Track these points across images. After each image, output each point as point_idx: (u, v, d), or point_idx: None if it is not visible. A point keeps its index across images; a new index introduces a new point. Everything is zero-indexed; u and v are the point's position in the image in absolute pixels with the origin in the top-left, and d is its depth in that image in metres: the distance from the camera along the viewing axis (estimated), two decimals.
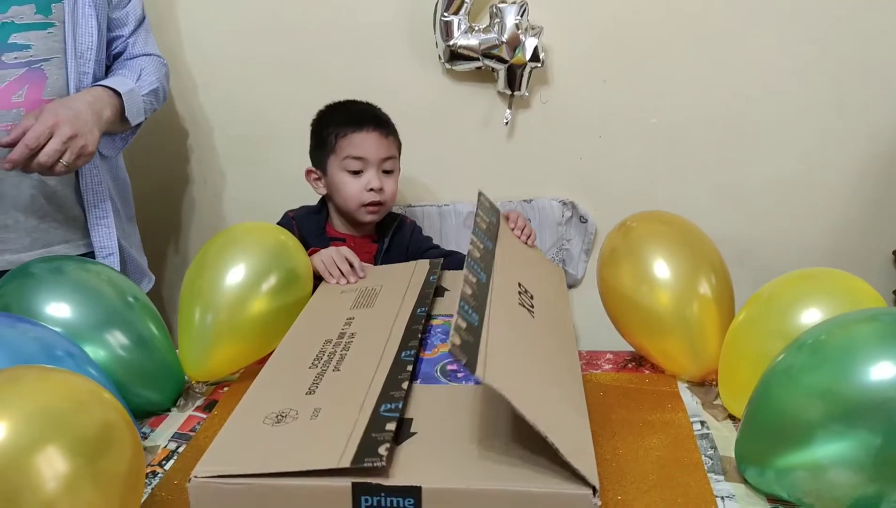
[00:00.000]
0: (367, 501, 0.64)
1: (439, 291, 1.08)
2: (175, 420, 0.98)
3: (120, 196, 1.38)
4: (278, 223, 1.38)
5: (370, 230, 1.42)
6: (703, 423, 0.96)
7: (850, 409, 0.72)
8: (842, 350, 0.75)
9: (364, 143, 1.34)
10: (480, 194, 1.14)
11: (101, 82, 1.22)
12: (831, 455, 0.73)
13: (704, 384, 1.04)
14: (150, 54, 1.36)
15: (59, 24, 1.19)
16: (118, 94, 1.21)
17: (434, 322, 0.98)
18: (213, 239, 1.12)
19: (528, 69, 1.53)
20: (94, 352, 0.91)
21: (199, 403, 1.02)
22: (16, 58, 1.15)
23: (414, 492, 0.63)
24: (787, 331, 0.88)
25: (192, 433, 0.95)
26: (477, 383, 0.82)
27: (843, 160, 1.68)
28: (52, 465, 0.61)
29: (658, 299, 1.03)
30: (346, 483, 0.64)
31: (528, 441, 0.68)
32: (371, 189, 1.33)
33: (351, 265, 1.18)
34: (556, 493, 0.64)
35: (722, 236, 1.16)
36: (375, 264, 1.36)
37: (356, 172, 1.34)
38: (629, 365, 1.11)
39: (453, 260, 1.27)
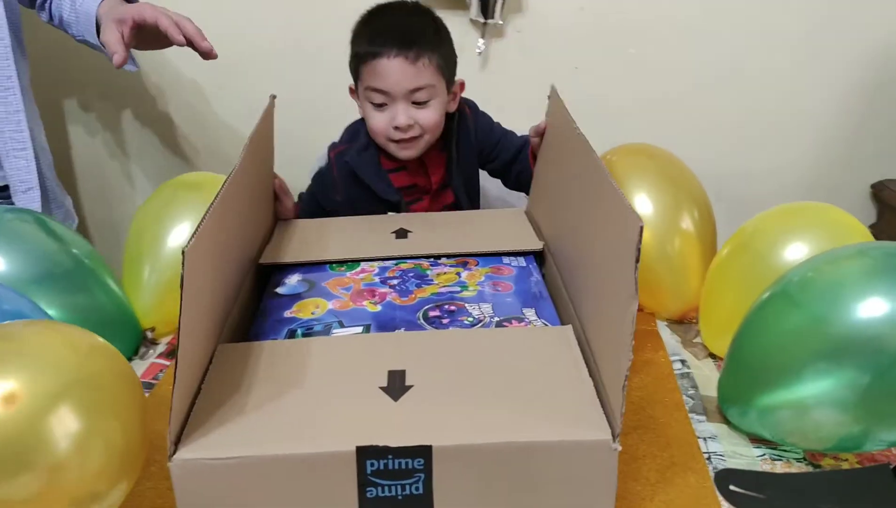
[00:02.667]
0: (373, 465, 0.58)
1: (402, 233, 1.01)
2: (137, 369, 0.94)
3: (35, 124, 1.28)
4: (321, 170, 1.24)
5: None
6: (683, 362, 0.94)
7: (838, 347, 0.70)
8: (830, 287, 0.73)
9: (385, 73, 1.10)
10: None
11: None
12: (817, 393, 0.71)
13: (684, 322, 1.02)
14: None
15: None
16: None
17: (403, 267, 0.92)
18: (160, 189, 1.08)
19: None
20: (45, 306, 0.85)
21: (160, 350, 0.98)
22: None
23: (423, 452, 0.58)
24: (772, 267, 0.86)
25: (155, 381, 0.91)
26: (462, 327, 0.78)
27: (822, 93, 1.65)
28: (66, 421, 0.58)
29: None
30: (349, 447, 0.57)
31: (525, 388, 0.65)
32: (397, 127, 1.13)
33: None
34: (573, 441, 0.59)
35: (700, 170, 1.12)
36: (449, 176, 1.21)
37: (380, 105, 1.13)
38: None
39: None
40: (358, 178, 1.19)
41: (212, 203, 0.65)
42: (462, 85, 1.20)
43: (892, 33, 1.59)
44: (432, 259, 0.93)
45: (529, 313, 0.80)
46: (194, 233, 0.59)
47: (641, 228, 0.57)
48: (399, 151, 1.16)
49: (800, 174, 1.71)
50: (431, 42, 1.12)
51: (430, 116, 1.14)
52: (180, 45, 1.00)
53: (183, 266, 0.55)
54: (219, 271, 0.73)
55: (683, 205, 1.02)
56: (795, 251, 0.86)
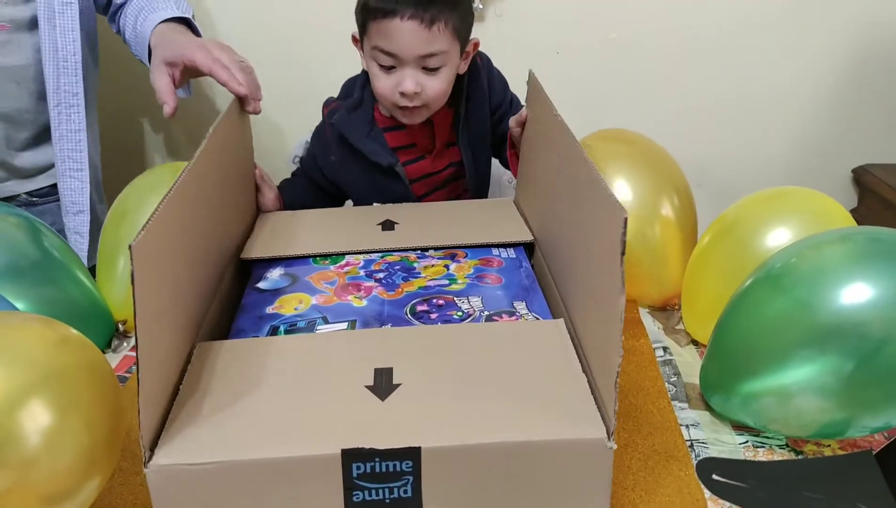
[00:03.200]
0: (359, 468, 0.55)
1: (388, 225, 0.98)
2: (110, 362, 0.91)
3: (93, 143, 1.25)
4: (317, 128, 1.18)
5: None
6: (665, 349, 0.93)
7: (822, 333, 0.69)
8: (813, 273, 0.72)
9: (396, 34, 1.00)
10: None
11: (159, 19, 1.07)
12: (800, 380, 0.70)
13: (666, 309, 1.01)
14: None
15: None
16: (183, 21, 1.09)
17: (390, 259, 0.89)
18: (139, 178, 1.05)
19: None
20: (12, 298, 0.82)
21: (133, 343, 0.95)
22: None
23: (412, 454, 0.55)
24: (754, 254, 0.85)
25: (128, 375, 0.89)
26: (451, 322, 0.75)
27: (803, 77, 1.65)
28: (37, 415, 0.56)
29: None
30: (334, 449, 0.55)
31: (517, 385, 0.62)
32: (403, 93, 1.05)
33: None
34: (567, 440, 0.57)
35: (681, 155, 1.11)
36: (454, 134, 1.14)
37: (388, 68, 1.05)
38: None
39: None
40: (348, 142, 1.13)
41: (164, 197, 0.62)
42: (476, 45, 1.11)
43: (873, 18, 1.59)
44: (419, 251, 0.91)
45: (520, 307, 0.78)
46: (144, 227, 0.56)
47: (626, 219, 0.55)
48: (403, 118, 1.10)
49: (781, 159, 1.71)
50: (450, 3, 1.02)
51: (439, 85, 1.05)
52: (238, 95, 0.96)
53: (132, 262, 0.52)
54: (187, 267, 0.70)
55: (663, 191, 1.00)
56: (778, 237, 0.85)
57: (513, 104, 1.18)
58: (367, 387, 0.61)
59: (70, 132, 1.15)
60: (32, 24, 1.10)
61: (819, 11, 1.57)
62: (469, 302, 0.79)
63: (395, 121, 1.13)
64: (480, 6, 1.49)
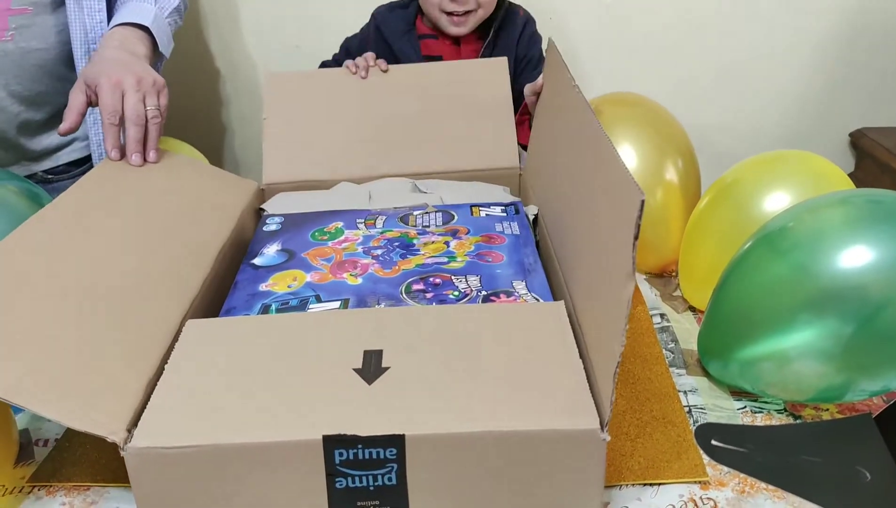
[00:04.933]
0: (341, 455, 0.54)
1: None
2: None
3: None
4: (357, 33, 1.25)
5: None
6: (662, 316, 0.92)
7: (821, 296, 0.68)
8: (811, 236, 0.71)
9: None
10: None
11: (118, 20, 1.03)
12: (799, 344, 0.69)
13: (663, 276, 1.01)
14: None
15: None
16: (143, 28, 1.04)
17: (389, 235, 0.87)
18: None
19: None
20: None
21: None
22: None
23: (396, 441, 0.54)
24: (752, 218, 0.84)
25: None
26: (446, 302, 0.73)
27: (799, 41, 1.63)
28: None
29: None
30: (316, 435, 0.54)
31: (510, 371, 0.60)
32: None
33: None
34: (557, 430, 0.55)
35: (680, 122, 1.10)
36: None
37: None
38: None
39: None
40: (383, 36, 1.18)
41: None
42: None
43: None
44: (420, 228, 0.89)
45: (519, 287, 0.76)
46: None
47: (643, 202, 0.52)
48: (450, 26, 1.15)
49: (778, 124, 1.70)
50: None
51: None
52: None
53: None
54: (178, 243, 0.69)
55: (668, 155, 0.99)
56: (775, 201, 0.84)
57: (538, 67, 1.20)
58: (355, 370, 0.60)
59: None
60: (54, 4, 1.07)
61: None
62: (467, 281, 0.76)
63: (433, 31, 1.19)
64: None
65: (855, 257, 0.67)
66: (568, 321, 0.66)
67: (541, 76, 1.00)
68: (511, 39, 1.18)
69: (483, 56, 1.18)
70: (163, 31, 1.07)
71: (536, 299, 0.73)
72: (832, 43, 1.64)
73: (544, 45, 0.97)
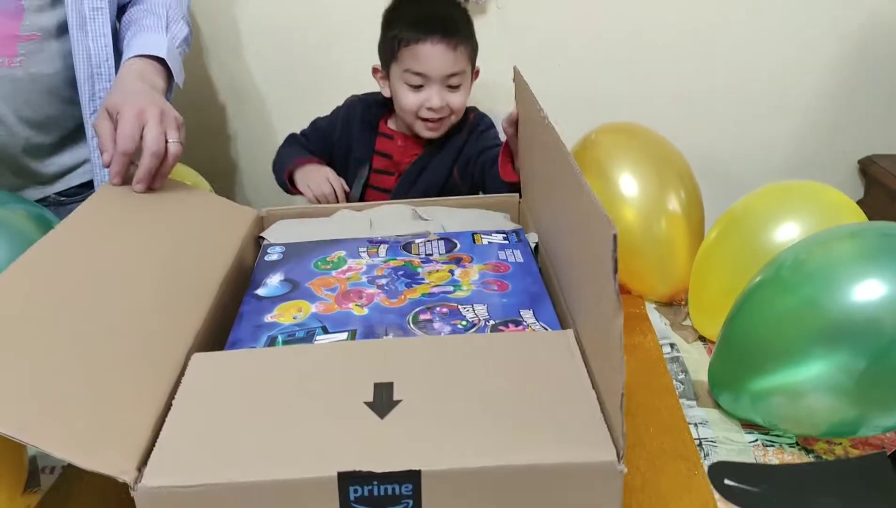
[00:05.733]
0: (356, 492, 0.52)
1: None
2: None
3: None
4: (335, 110, 1.36)
5: None
6: (672, 345, 0.92)
7: (833, 330, 0.68)
8: (823, 269, 0.71)
9: (427, 57, 1.20)
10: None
11: (134, 51, 1.05)
12: (811, 378, 0.69)
13: (673, 304, 1.00)
14: None
15: None
16: (158, 59, 1.05)
17: (393, 264, 0.86)
18: None
19: None
20: None
21: None
22: None
23: (412, 477, 0.52)
24: (762, 249, 0.84)
25: None
26: (455, 331, 0.72)
27: (809, 68, 1.64)
28: None
29: (626, 216, 0.98)
30: (331, 472, 0.52)
31: (523, 403, 0.59)
32: (430, 108, 1.22)
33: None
34: (575, 463, 0.53)
35: (686, 147, 1.10)
36: (416, 163, 1.31)
37: (417, 87, 1.22)
38: None
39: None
40: (354, 124, 1.30)
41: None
42: (477, 72, 1.30)
43: (878, 9, 1.57)
44: (423, 256, 0.88)
45: (527, 316, 0.74)
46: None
47: (615, 236, 0.52)
48: (425, 131, 1.26)
49: (787, 150, 1.70)
50: (466, 32, 1.24)
51: (460, 100, 1.25)
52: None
53: None
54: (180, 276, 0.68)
55: (669, 185, 0.99)
56: (786, 232, 0.84)
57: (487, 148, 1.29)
58: (367, 403, 0.59)
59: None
60: (59, 30, 1.08)
61: (823, 4, 1.55)
62: (474, 310, 0.76)
63: (390, 130, 1.33)
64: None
65: (866, 290, 0.67)
66: (578, 350, 0.65)
67: (514, 106, 1.01)
68: (457, 142, 1.30)
69: (422, 157, 1.31)
70: (175, 61, 1.09)
71: (545, 328, 0.73)
72: (840, 69, 1.64)
73: (525, 70, 0.98)
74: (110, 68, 1.11)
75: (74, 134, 1.16)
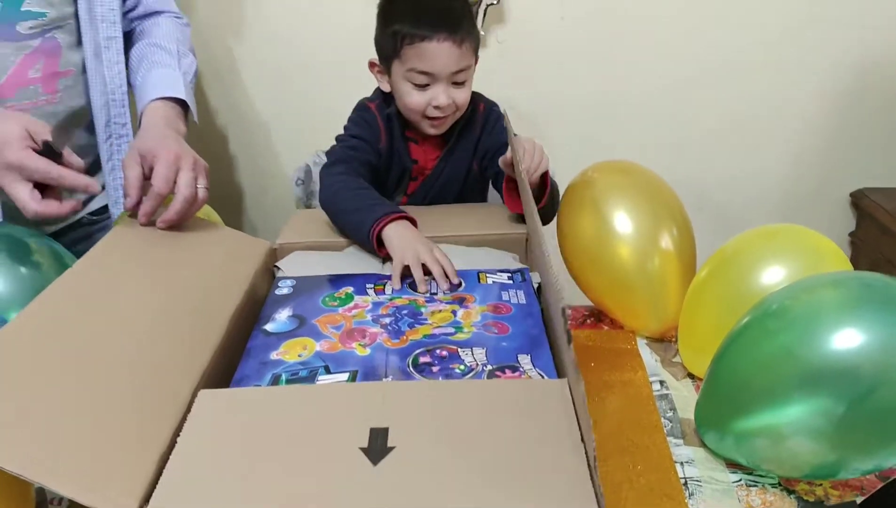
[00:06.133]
0: None
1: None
2: None
3: None
4: (361, 119, 1.22)
5: None
6: (661, 383, 0.94)
7: (814, 376, 0.70)
8: (806, 316, 0.73)
9: (434, 56, 1.12)
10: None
11: (155, 93, 1.08)
12: (792, 422, 0.71)
13: (664, 341, 1.03)
14: (170, 12, 1.21)
15: None
16: (177, 99, 1.09)
17: (398, 302, 0.89)
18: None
19: (483, 7, 1.46)
20: None
21: None
22: (31, 27, 1.02)
23: None
24: (750, 290, 0.86)
25: None
26: (452, 376, 0.74)
27: (800, 101, 1.67)
28: None
29: (620, 253, 1.00)
30: None
31: (513, 455, 0.61)
32: (437, 106, 1.16)
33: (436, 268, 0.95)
34: None
35: (681, 180, 1.13)
36: (438, 165, 1.26)
37: (422, 86, 1.15)
38: (588, 321, 1.09)
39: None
40: (393, 133, 1.23)
41: None
42: (476, 60, 1.22)
43: (870, 42, 1.61)
44: (428, 295, 0.91)
45: (525, 361, 0.77)
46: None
47: (564, 310, 0.56)
48: (429, 128, 1.20)
49: (780, 183, 1.73)
50: (469, 24, 1.16)
51: (465, 94, 1.18)
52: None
53: None
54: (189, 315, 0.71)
55: (663, 223, 1.02)
56: (773, 275, 0.86)
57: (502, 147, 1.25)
58: (362, 449, 0.61)
59: (121, 161, 1.16)
60: (83, 64, 1.12)
61: (816, 38, 1.58)
62: (473, 354, 0.78)
63: (415, 135, 1.25)
64: (483, 33, 1.50)
65: (847, 338, 0.69)
66: (570, 401, 0.67)
67: (509, 149, 1.04)
68: (472, 137, 1.26)
69: (444, 157, 1.26)
70: (191, 98, 1.12)
71: (541, 375, 0.75)
72: (833, 104, 1.67)
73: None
74: (124, 95, 1.15)
75: (93, 164, 1.19)
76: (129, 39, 1.20)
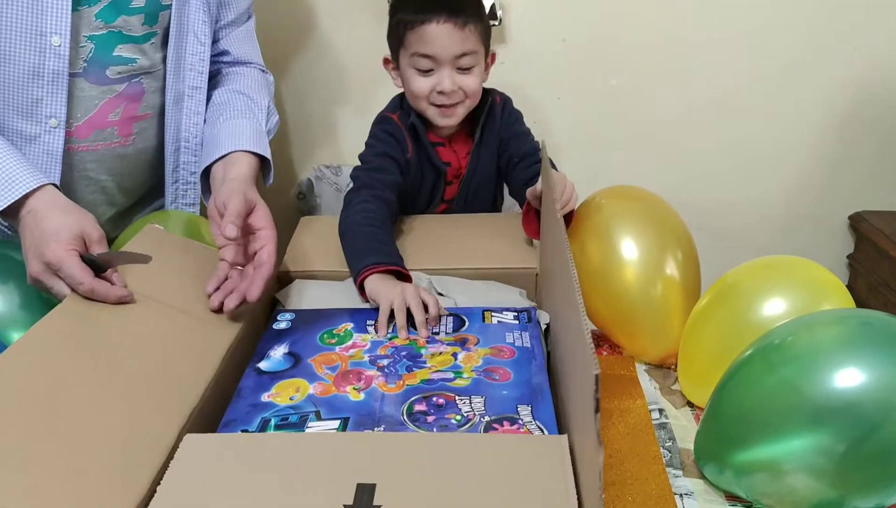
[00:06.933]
0: None
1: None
2: None
3: None
4: (385, 134, 1.19)
5: (463, 124, 1.23)
6: (661, 411, 0.94)
7: (815, 412, 0.70)
8: (807, 352, 0.74)
9: (434, 38, 1.12)
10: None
11: (242, 145, 1.05)
12: (793, 458, 0.71)
13: (663, 368, 1.02)
14: (257, 64, 1.21)
15: (161, 31, 1.05)
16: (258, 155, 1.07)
17: (397, 342, 0.86)
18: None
19: None
20: None
21: None
22: (119, 72, 1.03)
23: None
24: (750, 322, 0.86)
25: None
26: (448, 427, 0.71)
27: (800, 124, 1.68)
28: None
29: (625, 278, 1.00)
30: None
31: None
32: (441, 91, 1.14)
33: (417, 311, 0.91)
34: None
35: (681, 201, 1.13)
36: (471, 162, 1.24)
37: (426, 71, 1.14)
38: None
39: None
40: (419, 141, 1.20)
41: None
42: (493, 57, 1.23)
43: (869, 67, 1.62)
44: (430, 335, 0.89)
45: (524, 413, 0.74)
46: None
47: (597, 377, 0.52)
48: (438, 118, 1.18)
49: (779, 206, 1.73)
50: (476, 10, 1.16)
51: (474, 82, 1.16)
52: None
53: None
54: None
55: (668, 249, 1.02)
56: (773, 307, 0.86)
57: (522, 136, 1.25)
58: (346, 507, 0.58)
59: (185, 206, 1.17)
60: (162, 108, 1.11)
61: (816, 63, 1.60)
62: (471, 403, 0.75)
63: (438, 139, 1.23)
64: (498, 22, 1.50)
65: (848, 376, 0.70)
66: (570, 460, 0.63)
67: (539, 182, 1.03)
68: (495, 130, 1.24)
69: (473, 153, 1.23)
70: (269, 154, 1.10)
71: (541, 429, 0.72)
72: (833, 128, 1.68)
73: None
74: (197, 144, 1.14)
75: (148, 198, 1.20)
76: (211, 80, 1.18)
